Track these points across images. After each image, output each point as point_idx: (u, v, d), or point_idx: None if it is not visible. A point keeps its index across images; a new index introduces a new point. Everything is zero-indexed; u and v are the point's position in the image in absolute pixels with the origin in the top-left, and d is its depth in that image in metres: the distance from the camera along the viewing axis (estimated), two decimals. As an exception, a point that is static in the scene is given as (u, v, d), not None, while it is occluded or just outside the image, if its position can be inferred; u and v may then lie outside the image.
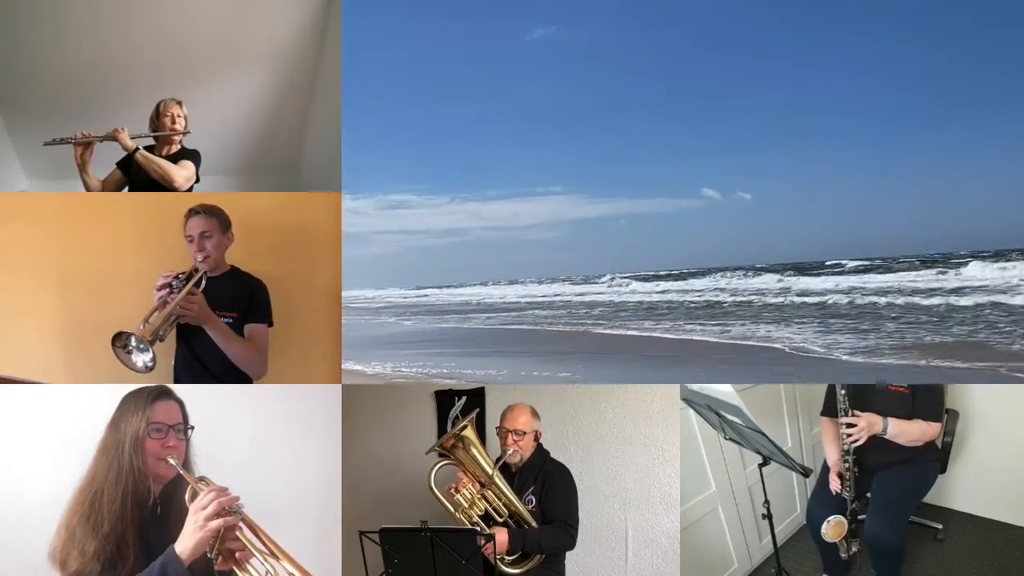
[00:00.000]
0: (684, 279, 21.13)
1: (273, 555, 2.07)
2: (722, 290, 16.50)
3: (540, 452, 3.09)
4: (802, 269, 19.99)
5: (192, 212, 3.02)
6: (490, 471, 2.94)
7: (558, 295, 20.78)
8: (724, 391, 2.95)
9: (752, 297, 14.18)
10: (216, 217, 3.04)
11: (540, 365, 7.15)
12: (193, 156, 3.56)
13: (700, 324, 10.61)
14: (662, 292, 18.01)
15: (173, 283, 2.92)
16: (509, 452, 3.01)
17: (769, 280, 17.37)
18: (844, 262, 20.49)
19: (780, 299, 13.36)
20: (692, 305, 14.02)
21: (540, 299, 19.83)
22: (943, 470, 3.57)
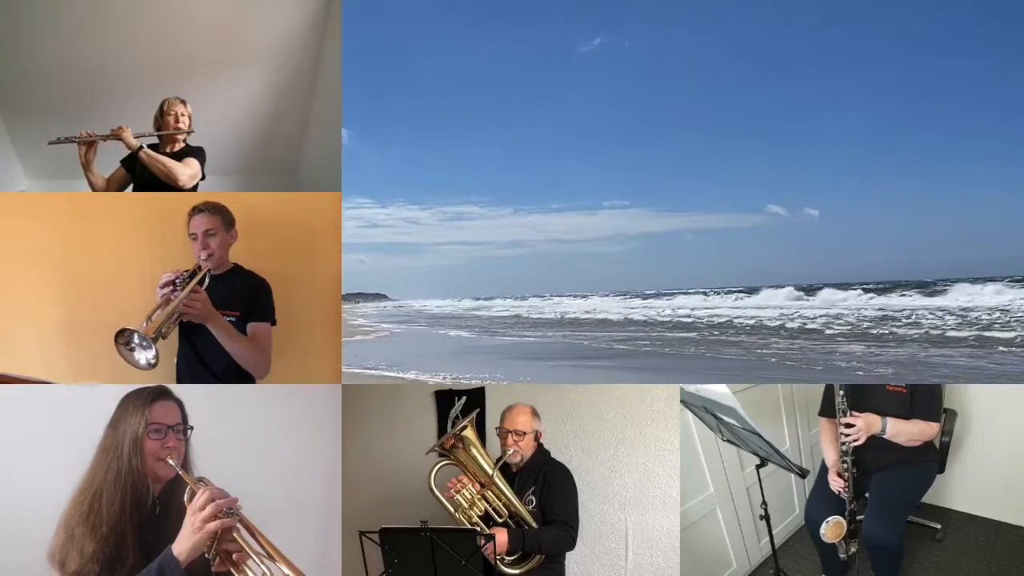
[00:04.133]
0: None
1: (270, 557, 2.08)
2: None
3: (541, 452, 3.10)
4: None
5: (196, 210, 3.01)
6: (490, 471, 2.95)
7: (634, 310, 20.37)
8: (720, 392, 2.96)
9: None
10: (220, 215, 3.04)
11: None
12: (198, 154, 3.57)
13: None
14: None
15: (176, 281, 2.91)
16: (509, 452, 3.01)
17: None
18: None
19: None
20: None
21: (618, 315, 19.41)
22: (941, 470, 3.58)
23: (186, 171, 3.49)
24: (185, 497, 2.18)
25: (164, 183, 3.46)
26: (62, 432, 2.79)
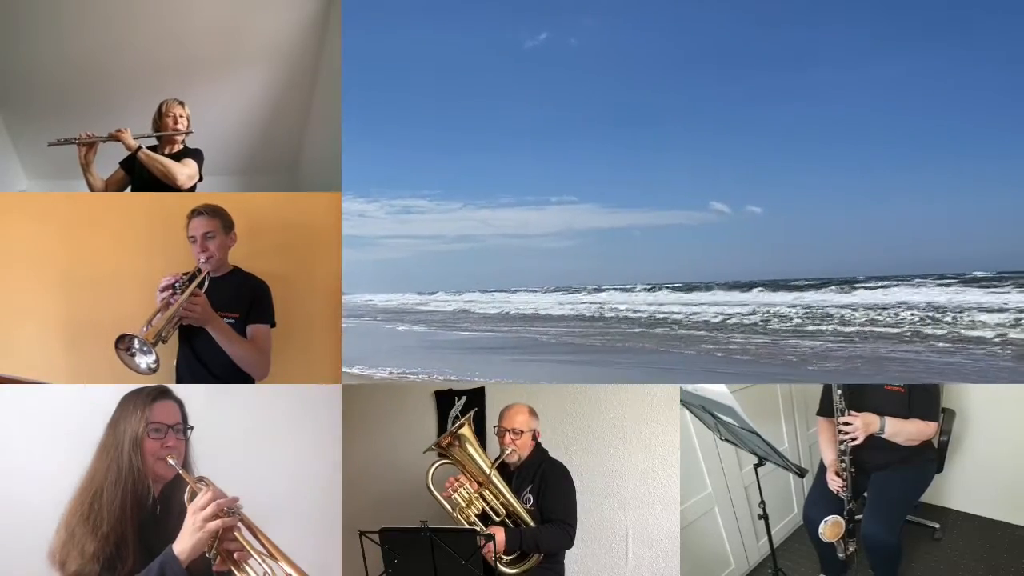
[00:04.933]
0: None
1: (271, 556, 2.08)
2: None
3: (538, 451, 3.10)
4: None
5: (195, 213, 3.02)
6: (488, 470, 2.95)
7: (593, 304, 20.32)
8: (718, 392, 2.96)
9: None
10: (219, 218, 3.04)
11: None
12: (196, 155, 3.57)
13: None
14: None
15: (176, 284, 2.92)
16: (507, 451, 3.02)
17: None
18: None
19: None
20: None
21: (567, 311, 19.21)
22: (940, 469, 3.58)
23: (184, 171, 3.49)
24: (185, 496, 2.19)
25: (162, 184, 3.47)
26: (62, 432, 2.80)
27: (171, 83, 3.80)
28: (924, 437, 3.24)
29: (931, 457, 3.42)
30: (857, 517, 3.25)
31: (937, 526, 4.05)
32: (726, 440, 3.21)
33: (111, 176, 3.56)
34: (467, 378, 6.54)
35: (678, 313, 15.58)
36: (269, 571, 2.07)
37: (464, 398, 3.07)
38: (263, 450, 3.04)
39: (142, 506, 2.24)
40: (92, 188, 3.49)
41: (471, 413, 3.02)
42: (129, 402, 2.33)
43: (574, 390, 3.54)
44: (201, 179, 3.59)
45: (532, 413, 3.08)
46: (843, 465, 3.21)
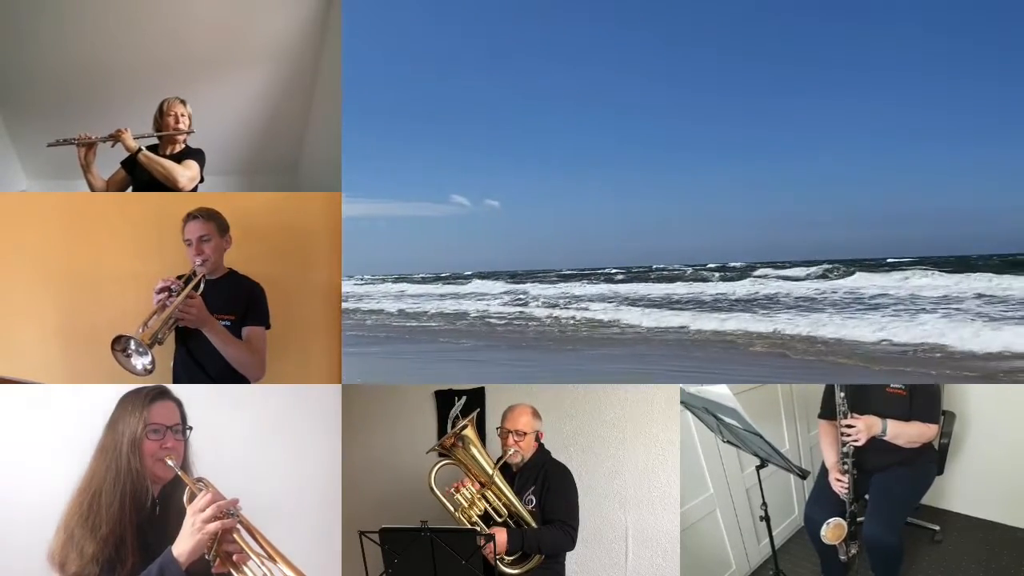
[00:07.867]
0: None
1: (270, 557, 2.08)
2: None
3: (541, 452, 3.10)
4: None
5: (190, 216, 3.01)
6: (490, 471, 2.95)
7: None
8: (721, 393, 2.96)
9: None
10: (214, 221, 3.03)
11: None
12: (197, 155, 3.56)
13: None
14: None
15: (172, 287, 2.92)
16: (510, 452, 3.01)
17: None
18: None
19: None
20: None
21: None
22: (940, 471, 3.59)
23: (185, 173, 3.48)
24: (184, 498, 2.18)
25: (163, 184, 3.46)
26: (61, 432, 2.79)
27: (172, 83, 3.79)
28: (925, 439, 3.24)
29: (932, 459, 3.42)
30: (859, 519, 3.25)
31: (937, 528, 4.05)
32: (728, 442, 3.21)
33: (112, 176, 3.54)
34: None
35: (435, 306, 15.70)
36: (268, 573, 2.06)
37: (464, 398, 3.07)
38: (263, 450, 3.04)
39: (141, 507, 2.23)
40: (93, 188, 3.48)
41: (474, 414, 3.02)
42: (128, 402, 2.31)
43: (574, 390, 3.54)
44: (203, 180, 3.58)
45: (535, 414, 3.08)
46: (845, 467, 3.20)
